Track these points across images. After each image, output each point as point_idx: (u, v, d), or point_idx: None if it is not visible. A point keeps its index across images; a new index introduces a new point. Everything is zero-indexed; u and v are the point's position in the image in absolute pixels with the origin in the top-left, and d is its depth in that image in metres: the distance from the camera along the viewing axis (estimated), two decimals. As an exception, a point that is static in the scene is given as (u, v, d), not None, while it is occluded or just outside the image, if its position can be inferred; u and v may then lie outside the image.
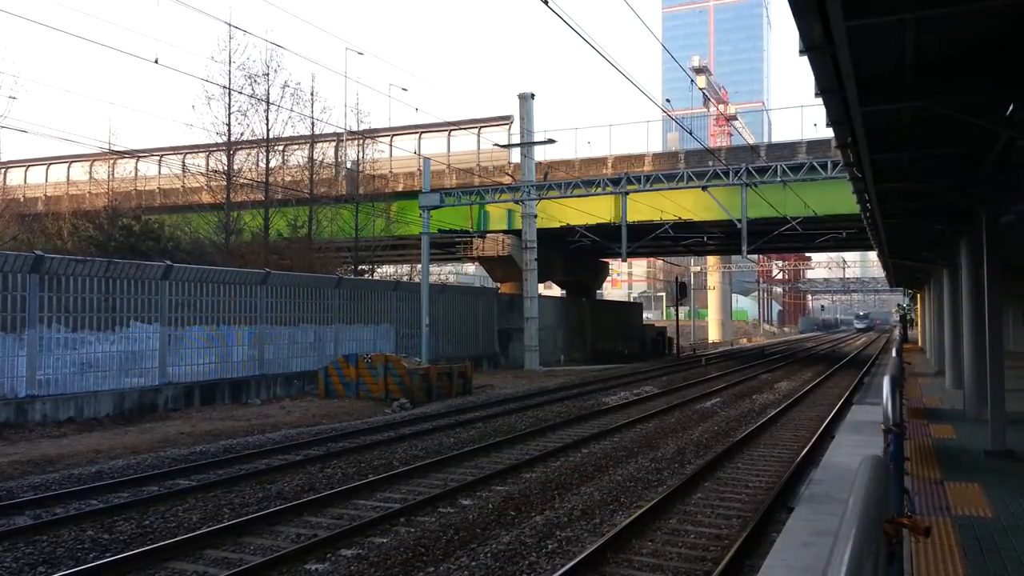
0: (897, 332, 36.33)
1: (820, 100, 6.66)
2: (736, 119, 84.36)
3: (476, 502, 9.00)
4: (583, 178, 27.48)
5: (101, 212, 30.02)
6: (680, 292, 45.16)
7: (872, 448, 9.00)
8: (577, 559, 6.62)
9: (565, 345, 37.25)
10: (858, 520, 1.45)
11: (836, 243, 37.48)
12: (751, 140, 55.65)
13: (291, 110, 27.74)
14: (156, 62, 17.39)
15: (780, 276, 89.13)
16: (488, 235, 32.48)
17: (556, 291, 50.79)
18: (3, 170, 40.91)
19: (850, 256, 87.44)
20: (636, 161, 31.58)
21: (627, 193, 24.38)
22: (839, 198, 25.14)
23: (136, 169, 37.63)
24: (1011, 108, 6.89)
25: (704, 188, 23.51)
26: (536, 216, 30.62)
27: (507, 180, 30.61)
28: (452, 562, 6.83)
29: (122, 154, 33.58)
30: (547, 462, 11.42)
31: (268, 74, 27.45)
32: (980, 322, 10.70)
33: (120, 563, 6.69)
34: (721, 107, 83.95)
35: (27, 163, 40.89)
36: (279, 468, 10.96)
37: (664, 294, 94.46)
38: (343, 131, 30.11)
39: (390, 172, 33.76)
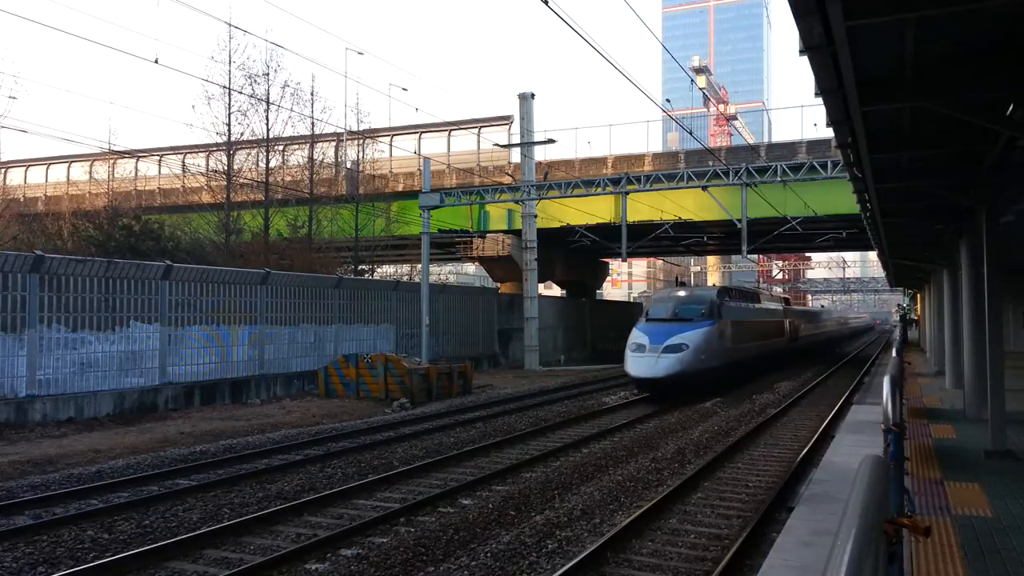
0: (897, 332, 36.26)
1: (820, 100, 6.66)
2: (736, 119, 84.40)
3: (476, 502, 9.00)
4: (583, 178, 27.47)
5: (101, 212, 30.01)
6: (680, 292, 44.85)
7: (872, 448, 9.01)
8: (577, 559, 6.62)
9: (565, 345, 37.24)
10: (858, 520, 1.45)
11: (836, 243, 37.48)
12: (751, 140, 55.66)
13: (291, 110, 27.76)
14: (156, 62, 17.40)
15: (780, 276, 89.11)
16: (488, 235, 32.47)
17: (556, 291, 50.77)
18: (3, 170, 40.89)
19: (850, 256, 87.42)
20: (636, 161, 31.57)
21: (627, 193, 24.38)
22: (839, 198, 25.15)
23: (136, 169, 37.62)
24: (1011, 108, 6.89)
25: (704, 188, 23.50)
26: (536, 216, 30.62)
27: (507, 180, 30.60)
28: (452, 562, 6.83)
29: (122, 154, 33.59)
30: (547, 462, 11.43)
31: (268, 74, 27.48)
32: (980, 322, 10.70)
33: (120, 563, 6.69)
34: (721, 107, 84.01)
35: (27, 163, 40.88)
36: (279, 468, 10.96)
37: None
38: (343, 131, 30.11)
39: (390, 172, 33.75)
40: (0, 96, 27.30)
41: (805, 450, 11.72)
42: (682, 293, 22.65)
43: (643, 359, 18.95)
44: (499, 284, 35.91)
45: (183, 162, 32.49)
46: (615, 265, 68.10)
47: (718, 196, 25.75)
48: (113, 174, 36.56)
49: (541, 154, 31.74)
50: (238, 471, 10.72)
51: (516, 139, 30.92)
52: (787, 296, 42.95)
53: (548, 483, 9.89)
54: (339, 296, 22.71)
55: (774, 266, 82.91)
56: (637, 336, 19.76)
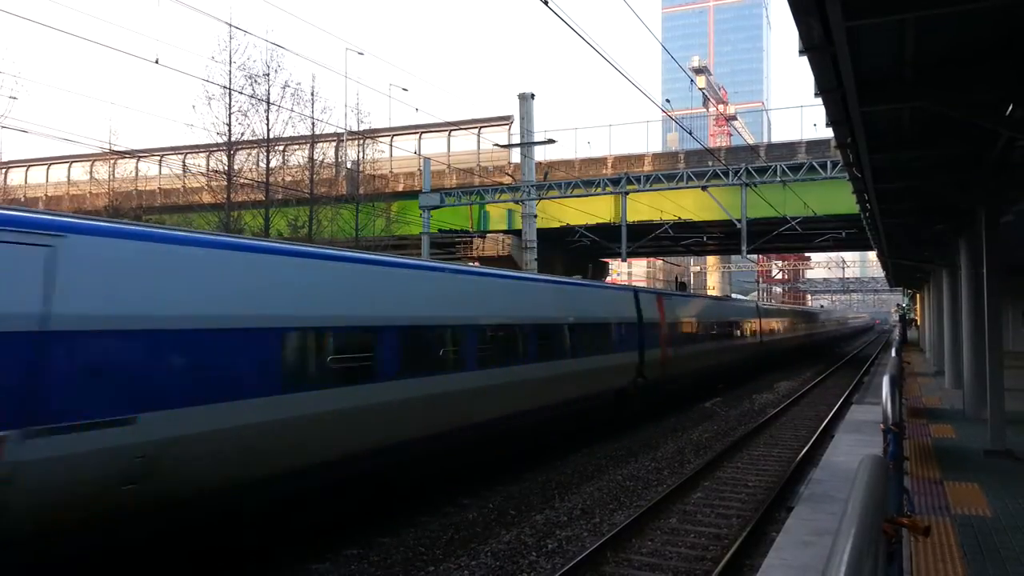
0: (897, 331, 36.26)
1: (820, 100, 6.66)
2: (736, 119, 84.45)
3: (476, 501, 9.00)
4: (583, 178, 27.47)
5: (102, 212, 30.02)
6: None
7: (872, 448, 9.02)
8: (577, 559, 6.62)
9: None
10: (858, 519, 1.45)
11: (836, 243, 37.47)
12: (751, 140, 55.67)
13: (291, 110, 27.72)
14: (156, 62, 17.38)
15: (780, 276, 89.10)
16: (488, 235, 32.48)
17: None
18: (4, 170, 40.92)
19: (850, 256, 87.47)
20: (636, 161, 31.58)
21: (627, 193, 24.38)
22: (839, 198, 25.14)
23: (137, 169, 37.66)
24: (1011, 108, 6.89)
25: (704, 188, 23.51)
26: (536, 216, 30.58)
27: (507, 180, 30.61)
28: (452, 561, 6.84)
29: (123, 154, 33.58)
30: (547, 461, 11.43)
31: (268, 74, 27.40)
32: (980, 322, 10.70)
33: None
34: (721, 107, 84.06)
35: (28, 163, 40.91)
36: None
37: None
38: (343, 131, 30.11)
39: (390, 172, 33.77)
40: (1, 96, 27.24)
41: (805, 450, 11.73)
42: None
43: None
44: (499, 284, 35.81)
45: (184, 162, 32.49)
46: (615, 265, 68.15)
47: (718, 196, 25.75)
48: (114, 174, 36.55)
49: (541, 154, 31.75)
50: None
51: (516, 139, 30.91)
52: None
53: (548, 482, 9.90)
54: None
55: (774, 266, 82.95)
56: None
